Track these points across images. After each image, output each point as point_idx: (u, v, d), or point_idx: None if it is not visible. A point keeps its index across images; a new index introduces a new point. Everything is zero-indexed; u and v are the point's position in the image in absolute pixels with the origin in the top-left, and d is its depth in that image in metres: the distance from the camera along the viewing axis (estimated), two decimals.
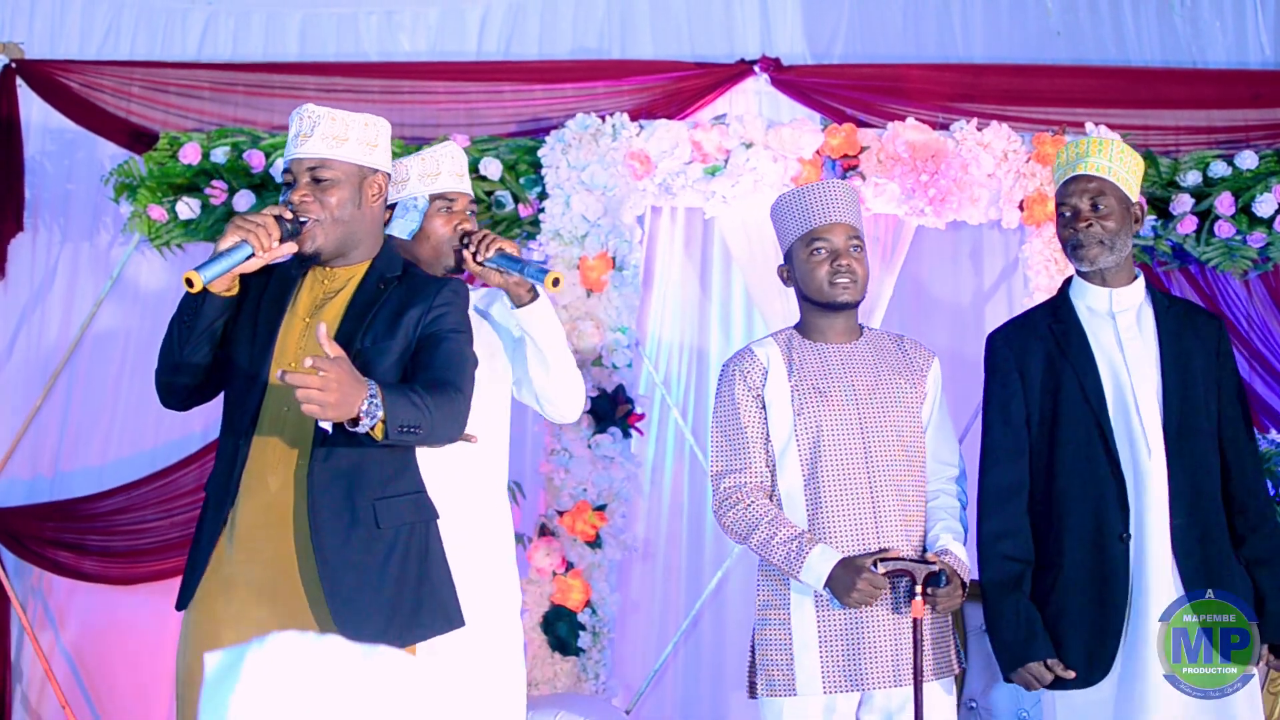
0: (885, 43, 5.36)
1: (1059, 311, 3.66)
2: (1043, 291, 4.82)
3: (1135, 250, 4.96)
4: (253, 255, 3.00)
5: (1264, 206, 4.90)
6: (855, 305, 3.55)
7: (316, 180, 3.11)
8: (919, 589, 3.34)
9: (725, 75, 5.14)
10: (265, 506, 3.04)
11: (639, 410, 4.98)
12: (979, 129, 4.96)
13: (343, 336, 3.08)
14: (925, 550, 3.46)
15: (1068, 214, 3.60)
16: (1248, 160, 4.95)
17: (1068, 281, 3.71)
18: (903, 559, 3.37)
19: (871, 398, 3.49)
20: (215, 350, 3.12)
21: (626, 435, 4.96)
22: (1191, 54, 5.35)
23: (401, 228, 3.51)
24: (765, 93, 5.16)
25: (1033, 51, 5.33)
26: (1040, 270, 4.89)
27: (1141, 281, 3.65)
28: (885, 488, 3.44)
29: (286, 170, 3.15)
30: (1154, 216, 4.97)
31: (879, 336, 3.64)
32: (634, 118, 5.01)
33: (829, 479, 3.42)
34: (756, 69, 5.14)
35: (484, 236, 3.42)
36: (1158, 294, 3.68)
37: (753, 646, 3.51)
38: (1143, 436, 3.48)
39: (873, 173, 4.93)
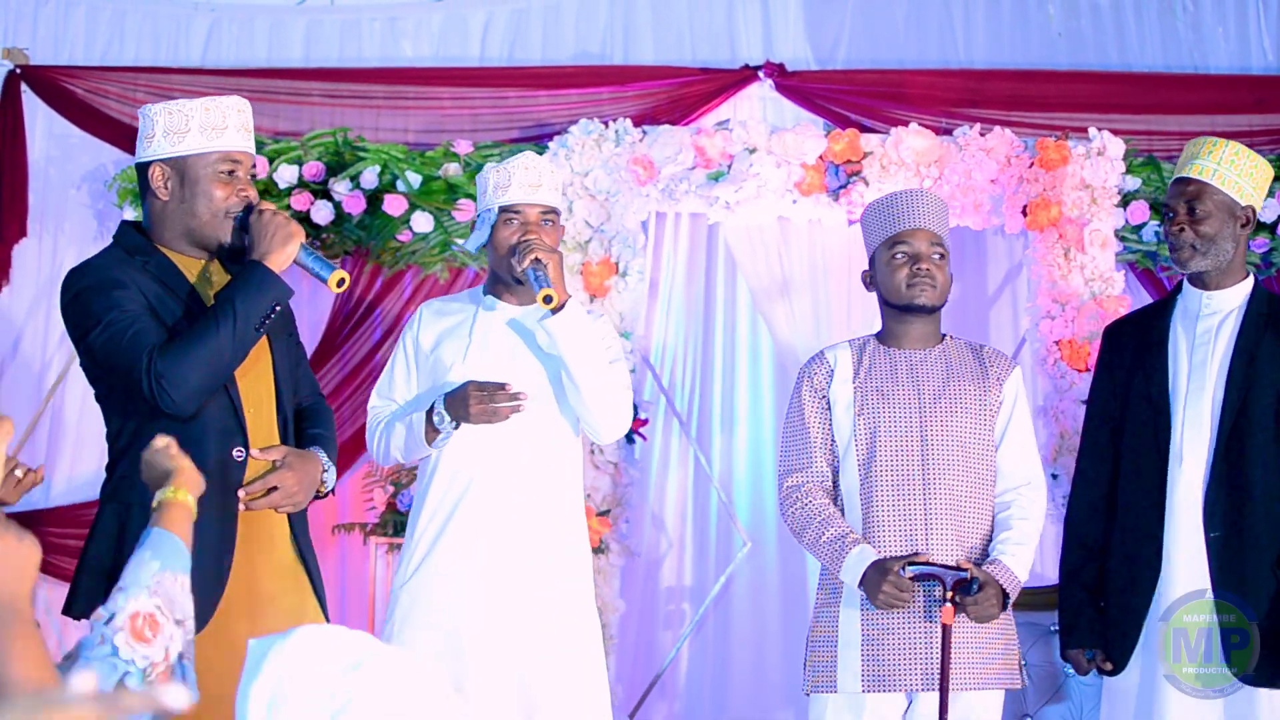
0: (887, 48, 5.37)
1: (1162, 310, 3.70)
2: (1045, 296, 4.83)
3: (1139, 254, 4.96)
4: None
5: (1268, 212, 4.90)
6: (934, 310, 3.55)
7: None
8: (948, 595, 3.35)
9: (729, 81, 5.15)
10: (259, 533, 3.08)
11: (643, 416, 4.98)
12: (982, 134, 4.96)
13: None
14: (984, 559, 3.47)
15: (1169, 215, 3.62)
16: None
17: (1183, 280, 3.73)
18: (933, 564, 3.38)
19: (936, 403, 3.50)
20: None
21: (630, 441, 4.96)
22: (1194, 59, 5.36)
23: (472, 240, 3.54)
24: (769, 98, 5.16)
25: (1035, 57, 5.34)
26: (1043, 275, 4.89)
27: (1247, 285, 3.61)
28: (940, 492, 3.45)
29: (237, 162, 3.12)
30: (1157, 221, 4.97)
31: (959, 345, 3.65)
32: (637, 123, 5.02)
33: (883, 480, 3.45)
34: (760, 74, 5.14)
35: (526, 245, 3.42)
36: (1262, 298, 3.63)
37: (807, 642, 3.54)
38: (1179, 446, 3.50)
39: (876, 178, 4.94)
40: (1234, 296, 3.60)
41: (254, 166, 3.13)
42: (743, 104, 5.16)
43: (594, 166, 4.96)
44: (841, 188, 4.94)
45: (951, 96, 5.10)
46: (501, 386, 3.33)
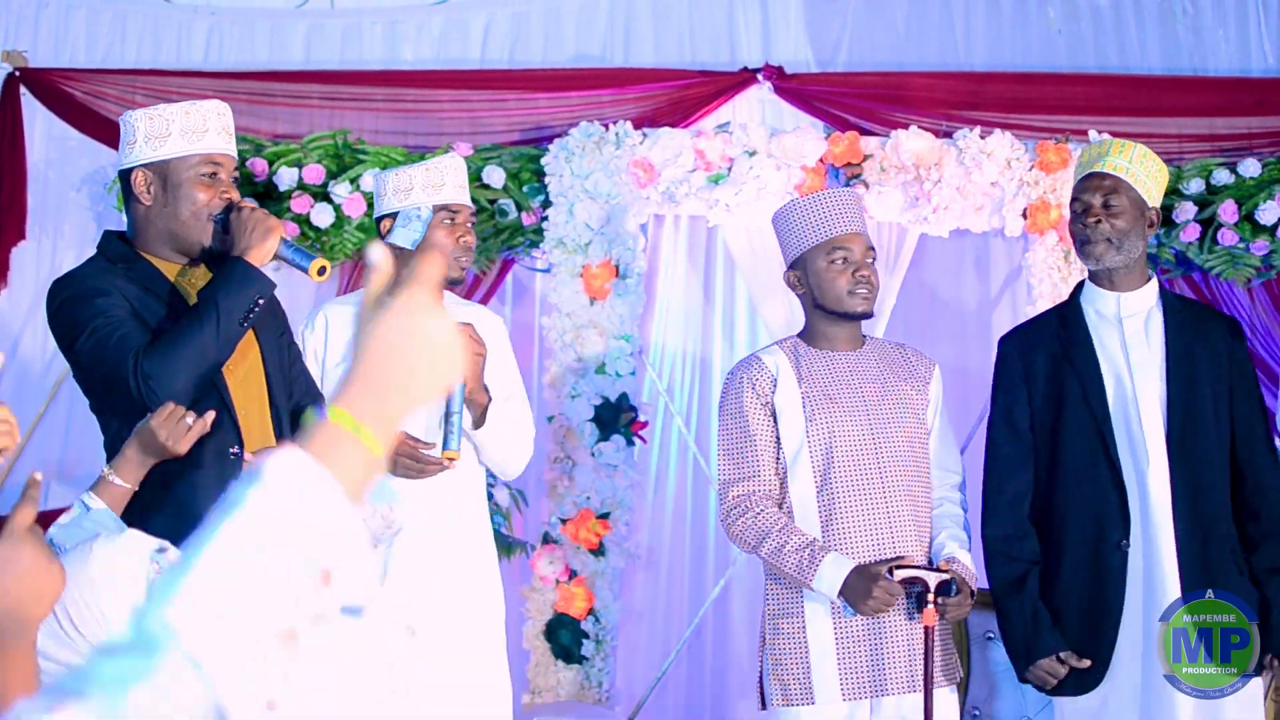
0: (887, 50, 5.37)
1: (1067, 316, 3.65)
2: (1046, 299, 4.82)
3: None
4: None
5: (1267, 214, 4.90)
6: (870, 316, 3.55)
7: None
8: (931, 597, 3.35)
9: (729, 83, 5.15)
10: None
11: (642, 418, 4.98)
12: (982, 137, 4.96)
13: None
14: (931, 558, 3.47)
15: (1079, 209, 3.59)
16: (1251, 168, 4.95)
17: (1080, 286, 3.71)
18: (917, 566, 3.38)
19: (881, 404, 3.49)
20: None
21: (630, 443, 4.96)
22: (1194, 62, 5.36)
23: (404, 237, 3.49)
24: (768, 101, 5.16)
25: (1035, 59, 5.34)
26: (1044, 278, 4.89)
27: (1154, 285, 3.62)
28: (898, 494, 3.44)
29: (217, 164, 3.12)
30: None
31: (881, 344, 3.65)
32: (637, 126, 5.02)
33: (842, 486, 3.42)
34: (760, 77, 5.14)
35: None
36: (1171, 298, 3.66)
37: (762, 657, 3.50)
38: (1143, 444, 3.47)
39: (876, 181, 4.94)
40: (1147, 297, 3.60)
41: (235, 169, 3.12)
42: (742, 106, 5.16)
43: (594, 169, 4.96)
44: None
45: (951, 99, 5.09)
46: (430, 447, 3.33)
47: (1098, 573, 3.46)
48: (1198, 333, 3.56)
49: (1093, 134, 4.93)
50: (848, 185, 4.93)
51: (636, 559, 5.03)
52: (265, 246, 2.99)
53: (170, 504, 3.03)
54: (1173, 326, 3.56)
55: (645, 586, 5.15)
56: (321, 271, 3.02)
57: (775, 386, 3.49)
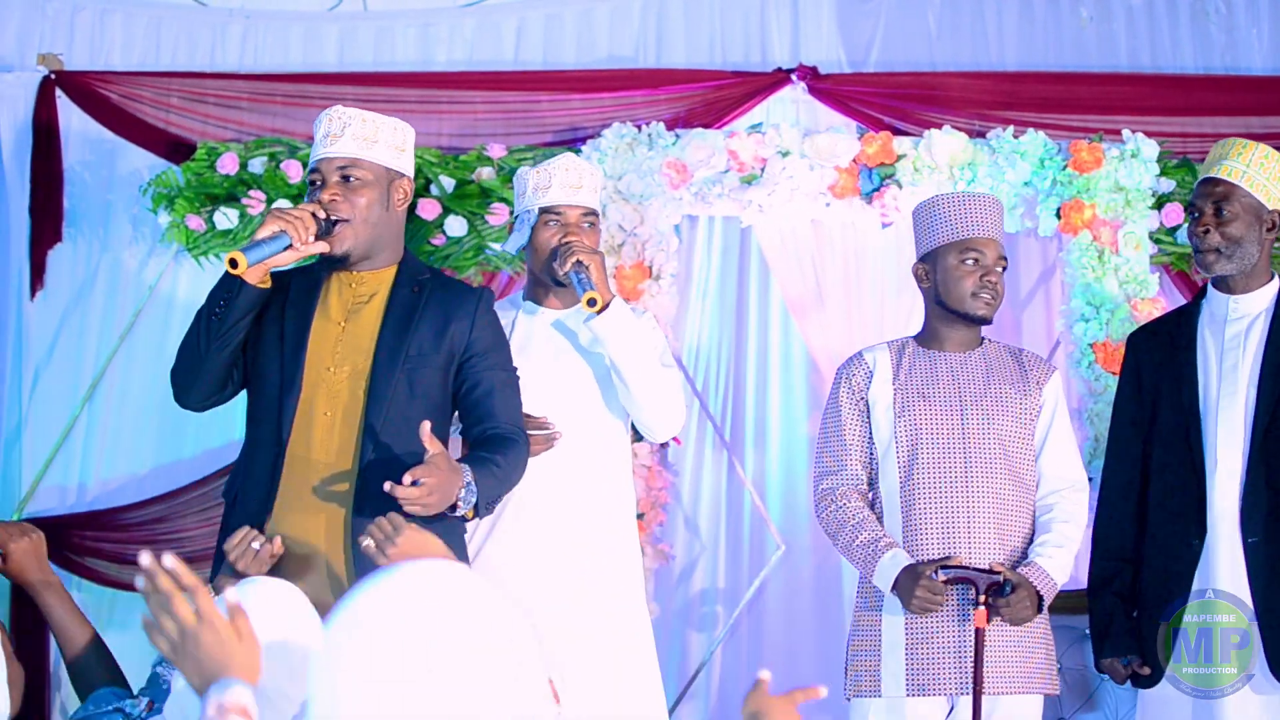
0: (920, 50, 5.36)
1: (1186, 316, 3.67)
2: (1080, 300, 4.82)
3: (1173, 256, 4.94)
4: (290, 247, 3.00)
5: None
6: (989, 322, 3.57)
7: (345, 180, 3.11)
8: (981, 599, 3.35)
9: (762, 84, 5.14)
10: (305, 521, 3.04)
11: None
12: (1015, 136, 4.95)
13: (385, 344, 3.08)
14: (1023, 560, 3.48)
15: (1194, 216, 3.60)
16: None
17: (1205, 286, 3.71)
18: (965, 568, 3.38)
19: (978, 405, 3.51)
20: (239, 351, 3.11)
21: (664, 445, 4.96)
22: (1226, 61, 5.34)
23: (511, 243, 3.53)
24: (801, 101, 5.16)
25: (1068, 59, 5.33)
26: (1077, 278, 4.88)
27: (1273, 287, 3.60)
28: (982, 495, 3.46)
29: (314, 170, 3.14)
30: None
31: (998, 348, 3.67)
32: (670, 127, 5.02)
33: (924, 483, 3.46)
34: (793, 78, 5.14)
35: (567, 248, 3.42)
36: None
37: (847, 647, 3.54)
38: (1214, 450, 3.48)
39: (909, 181, 4.93)
40: (1260, 300, 3.58)
41: (344, 168, 3.12)
42: (775, 107, 5.15)
43: (627, 170, 4.96)
44: (875, 190, 4.94)
45: (985, 99, 5.09)
46: (537, 420, 3.33)
47: (1170, 572, 3.50)
48: None
49: (1126, 133, 4.92)
50: (880, 185, 4.93)
51: (671, 560, 5.03)
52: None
53: (232, 492, 3.11)
54: (1276, 331, 3.55)
55: (680, 588, 5.16)
56: (234, 264, 2.98)
57: (870, 381, 3.57)
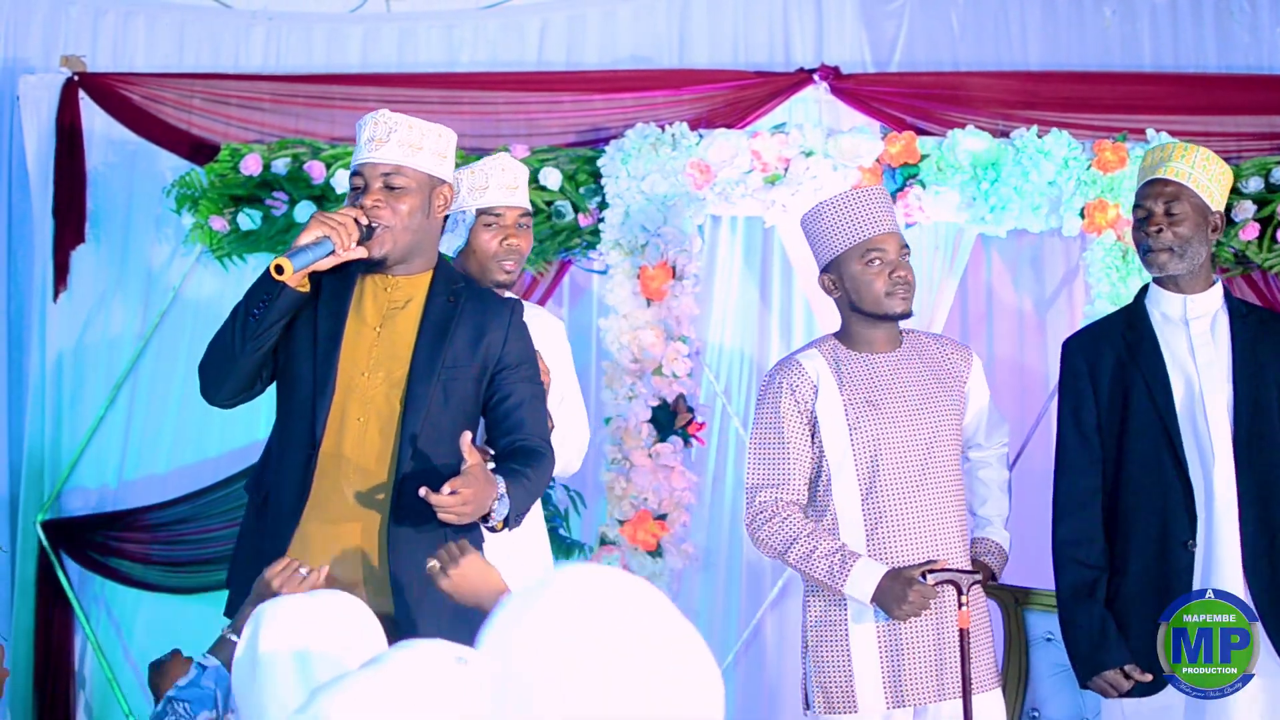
0: (943, 50, 5.36)
1: (1133, 318, 3.64)
2: (1104, 299, 4.81)
3: None
4: (333, 252, 3.01)
5: None
6: (909, 315, 3.54)
7: (389, 187, 3.10)
8: (964, 599, 3.34)
9: (785, 84, 5.14)
10: (336, 525, 3.04)
11: (700, 419, 4.98)
12: (1039, 136, 4.94)
13: (422, 352, 3.08)
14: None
15: (1141, 216, 3.58)
16: None
17: (1145, 288, 3.70)
18: (950, 569, 3.37)
19: (924, 407, 3.47)
20: (271, 351, 3.11)
21: (687, 444, 4.96)
22: (1249, 60, 5.33)
23: (448, 243, 3.49)
24: (824, 101, 5.15)
25: (1091, 58, 5.32)
26: (1101, 278, 4.87)
27: (1219, 288, 3.62)
28: (943, 499, 3.44)
29: (356, 174, 3.13)
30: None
31: (918, 339, 3.61)
32: (693, 127, 5.02)
33: (888, 493, 3.40)
34: (816, 78, 5.13)
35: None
36: (1235, 301, 3.66)
37: (804, 661, 3.49)
38: (1210, 445, 3.46)
39: (933, 181, 4.93)
40: (1212, 299, 3.59)
41: (388, 175, 3.10)
42: (798, 107, 5.15)
43: (650, 170, 4.96)
44: (898, 190, 4.94)
45: (1009, 98, 5.08)
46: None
47: (1163, 574, 3.46)
48: (1262, 336, 3.56)
49: (1150, 133, 4.91)
50: (903, 185, 4.92)
51: (694, 560, 5.03)
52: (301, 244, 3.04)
53: (260, 495, 3.10)
54: (1238, 328, 3.56)
55: (703, 588, 5.16)
56: (279, 270, 2.98)
57: (816, 394, 3.46)
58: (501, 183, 3.52)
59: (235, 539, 3.30)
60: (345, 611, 2.22)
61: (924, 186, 4.92)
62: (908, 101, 5.11)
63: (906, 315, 3.51)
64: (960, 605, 3.34)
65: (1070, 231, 4.97)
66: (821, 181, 4.91)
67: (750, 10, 5.39)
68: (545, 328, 3.61)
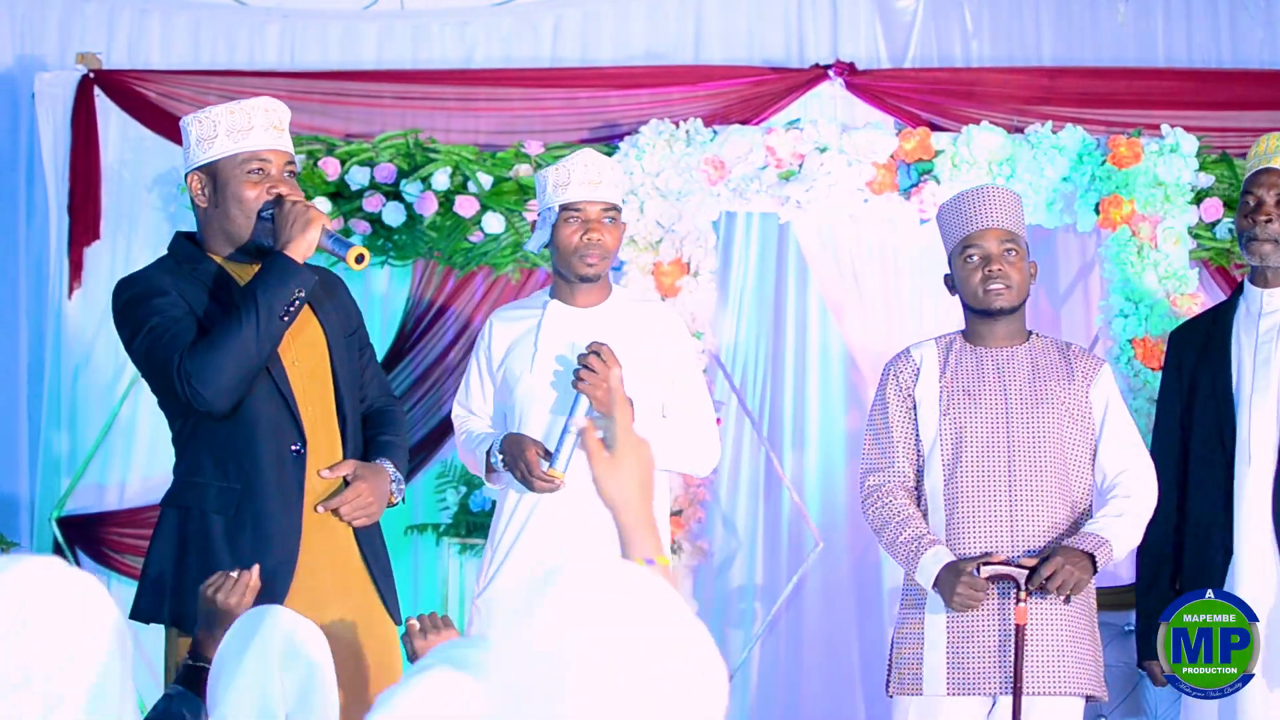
0: (957, 46, 5.36)
1: (1222, 311, 3.67)
2: (1118, 295, 4.81)
3: (1212, 251, 4.93)
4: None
5: None
6: (1012, 311, 3.53)
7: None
8: (1022, 594, 3.34)
9: (799, 80, 5.14)
10: (324, 516, 3.10)
11: (715, 416, 4.97)
12: (1054, 132, 4.93)
13: (333, 336, 3.18)
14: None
15: (1250, 204, 3.58)
16: None
17: (1242, 283, 3.71)
18: (1006, 563, 3.37)
19: (1023, 403, 3.48)
20: None
21: None
22: (1264, 56, 5.32)
23: (534, 241, 3.55)
24: (839, 97, 5.15)
25: (1106, 54, 5.31)
26: (1116, 273, 4.87)
27: None
28: (1026, 492, 3.43)
29: (264, 160, 3.08)
30: (1230, 218, 4.93)
31: (1045, 343, 3.62)
32: (708, 123, 5.02)
33: (968, 481, 3.44)
34: (830, 74, 5.13)
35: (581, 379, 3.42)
36: None
37: (891, 644, 3.53)
38: (1248, 444, 3.47)
39: (947, 176, 4.92)
40: None
41: (289, 164, 3.09)
42: (813, 103, 5.14)
43: (665, 167, 4.96)
44: (913, 186, 4.94)
45: (1024, 94, 5.07)
46: (548, 452, 3.34)
47: (1202, 569, 3.48)
48: None
49: (1165, 128, 4.90)
50: (918, 181, 4.92)
51: (709, 557, 5.03)
52: (306, 238, 2.98)
53: (232, 506, 3.05)
54: None
55: (718, 585, 5.16)
56: (360, 259, 3.00)
57: (917, 378, 3.55)
58: (584, 178, 3.54)
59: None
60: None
61: (939, 182, 4.91)
62: (922, 97, 5.10)
63: (1008, 310, 3.51)
64: (1018, 601, 3.34)
65: (1085, 227, 4.97)
66: (836, 178, 4.92)
67: (765, 6, 5.39)
68: (659, 319, 3.70)
